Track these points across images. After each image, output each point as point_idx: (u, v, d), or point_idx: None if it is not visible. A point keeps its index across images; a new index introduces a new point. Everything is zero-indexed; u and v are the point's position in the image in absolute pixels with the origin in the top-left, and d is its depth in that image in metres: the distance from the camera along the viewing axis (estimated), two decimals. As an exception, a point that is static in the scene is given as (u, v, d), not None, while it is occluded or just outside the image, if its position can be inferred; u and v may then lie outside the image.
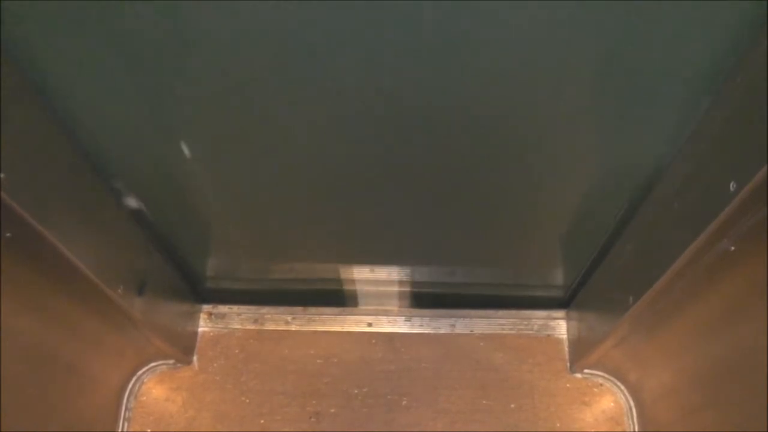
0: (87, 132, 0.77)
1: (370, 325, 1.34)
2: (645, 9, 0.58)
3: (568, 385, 1.28)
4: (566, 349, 1.31)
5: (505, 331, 1.33)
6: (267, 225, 1.04)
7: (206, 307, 1.35)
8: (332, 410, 1.27)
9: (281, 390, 1.28)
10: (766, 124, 0.57)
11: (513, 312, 1.34)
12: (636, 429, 1.23)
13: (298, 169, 0.86)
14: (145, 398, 1.27)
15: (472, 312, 1.34)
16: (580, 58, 0.65)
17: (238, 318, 1.35)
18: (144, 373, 1.28)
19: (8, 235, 0.69)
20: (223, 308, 1.35)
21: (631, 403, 1.25)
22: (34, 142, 0.69)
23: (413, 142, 0.79)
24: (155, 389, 1.28)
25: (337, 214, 1.01)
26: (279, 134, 0.79)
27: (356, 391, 1.28)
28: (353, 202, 0.96)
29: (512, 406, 1.27)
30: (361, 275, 1.21)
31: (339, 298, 1.32)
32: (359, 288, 1.27)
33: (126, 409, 1.25)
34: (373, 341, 1.33)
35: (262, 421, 1.26)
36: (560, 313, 1.34)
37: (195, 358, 1.31)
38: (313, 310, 1.35)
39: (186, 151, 0.82)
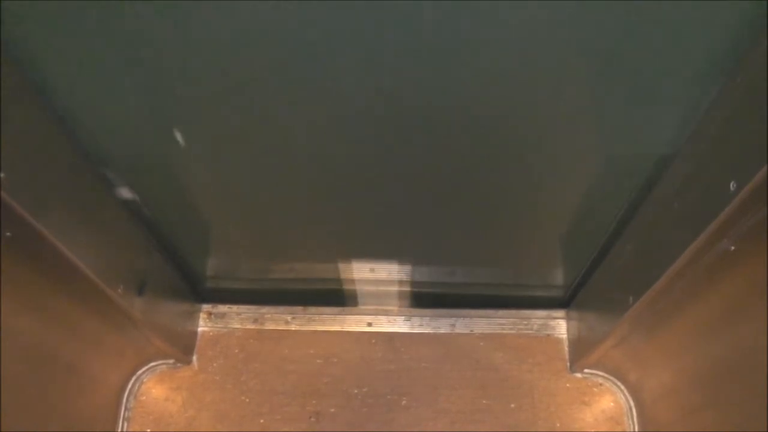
0: (87, 132, 0.77)
1: (370, 324, 1.34)
2: (645, 9, 0.58)
3: (568, 384, 1.28)
4: (566, 348, 1.31)
5: (505, 331, 1.33)
6: (267, 225, 1.04)
7: (206, 307, 1.35)
8: (332, 410, 1.27)
9: (281, 390, 1.28)
10: (766, 124, 0.57)
11: (513, 312, 1.34)
12: (636, 429, 1.23)
13: (298, 168, 0.86)
14: (144, 398, 1.28)
15: (472, 312, 1.34)
16: (579, 59, 0.65)
17: (238, 318, 1.35)
18: (144, 372, 1.28)
19: (8, 234, 0.69)
20: (222, 308, 1.35)
21: (631, 402, 1.25)
22: (34, 142, 0.69)
23: (413, 142, 0.79)
24: (155, 389, 1.28)
25: (337, 214, 1.01)
26: (279, 134, 0.79)
27: (356, 391, 1.28)
28: (353, 201, 0.96)
29: (512, 405, 1.27)
30: (361, 275, 1.21)
31: (339, 297, 1.32)
32: (359, 288, 1.27)
33: (126, 408, 1.25)
34: (373, 341, 1.33)
35: (261, 421, 1.26)
36: (560, 313, 1.34)
37: (195, 357, 1.31)
38: (313, 309, 1.35)
39: (186, 150, 0.82)
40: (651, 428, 1.19)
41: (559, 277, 1.22)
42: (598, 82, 0.68)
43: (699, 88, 0.68)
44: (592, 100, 0.72)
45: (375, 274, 1.20)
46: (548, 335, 1.33)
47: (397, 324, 1.34)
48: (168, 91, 0.71)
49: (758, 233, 0.68)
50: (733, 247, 0.72)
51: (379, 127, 0.76)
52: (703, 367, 0.95)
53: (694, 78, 0.66)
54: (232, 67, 0.67)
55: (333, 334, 1.34)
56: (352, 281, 1.24)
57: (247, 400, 1.28)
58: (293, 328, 1.34)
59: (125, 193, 0.90)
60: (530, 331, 1.33)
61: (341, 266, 1.17)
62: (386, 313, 1.35)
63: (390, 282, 1.24)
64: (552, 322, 1.34)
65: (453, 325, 1.34)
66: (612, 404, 1.27)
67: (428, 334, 1.34)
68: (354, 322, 1.35)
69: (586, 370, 1.27)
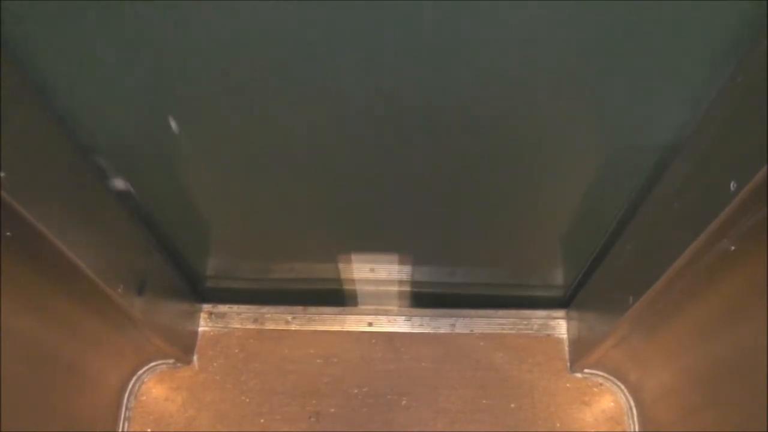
0: (87, 132, 0.77)
1: (370, 324, 1.34)
2: (645, 9, 0.58)
3: (568, 384, 1.28)
4: (566, 348, 1.31)
5: (505, 331, 1.33)
6: (267, 225, 1.04)
7: (206, 307, 1.35)
8: (332, 410, 1.27)
9: (281, 390, 1.28)
10: (766, 124, 0.57)
11: (513, 312, 1.34)
12: (636, 429, 1.23)
13: (298, 168, 0.86)
14: (145, 398, 1.28)
15: (472, 312, 1.34)
16: (579, 59, 0.65)
17: (238, 317, 1.35)
18: (144, 372, 1.28)
19: (8, 234, 0.69)
20: (223, 308, 1.35)
21: (631, 402, 1.25)
22: (34, 142, 0.69)
23: (413, 142, 0.79)
24: (155, 389, 1.28)
25: (336, 214, 1.01)
26: (279, 134, 0.79)
27: (356, 391, 1.28)
28: (353, 201, 0.96)
29: (512, 405, 1.27)
30: (361, 275, 1.21)
31: (339, 297, 1.32)
32: (359, 288, 1.27)
33: (126, 408, 1.25)
34: (373, 341, 1.33)
35: (261, 421, 1.26)
36: (560, 313, 1.34)
37: (195, 357, 1.31)
38: (313, 309, 1.35)
39: (186, 150, 0.82)
40: (651, 428, 1.19)
41: (559, 277, 1.22)
42: (597, 82, 0.68)
43: (699, 88, 0.68)
44: (591, 101, 0.72)
45: (375, 274, 1.20)
46: (548, 335, 1.33)
47: (397, 324, 1.34)
48: (168, 91, 0.71)
49: (758, 233, 0.68)
50: (733, 247, 0.72)
51: (379, 127, 0.76)
52: (703, 367, 0.95)
53: (694, 78, 0.66)
54: (232, 67, 0.67)
55: (333, 334, 1.34)
56: (352, 281, 1.24)
57: (247, 399, 1.28)
58: (293, 328, 1.34)
59: (125, 190, 0.90)
60: (530, 331, 1.33)
61: (341, 266, 1.17)
62: (386, 313, 1.35)
63: (390, 282, 1.24)
64: (552, 322, 1.34)
65: (453, 325, 1.34)
66: (612, 404, 1.27)
67: (428, 334, 1.34)
68: (354, 322, 1.35)
69: (586, 370, 1.27)
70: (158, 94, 0.71)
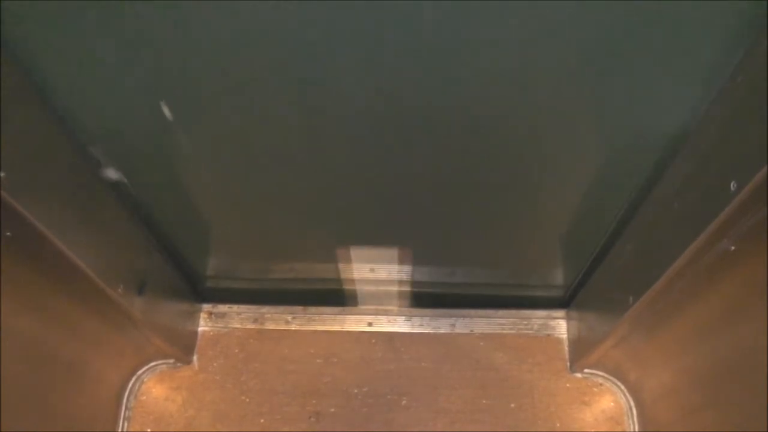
0: (87, 132, 0.77)
1: (370, 324, 1.34)
2: (645, 9, 0.58)
3: (568, 384, 1.28)
4: (566, 348, 1.31)
5: (505, 331, 1.33)
6: (267, 225, 1.04)
7: (206, 307, 1.35)
8: (332, 410, 1.27)
9: (281, 389, 1.28)
10: (766, 124, 0.57)
11: (513, 312, 1.34)
12: (636, 429, 1.23)
13: (297, 168, 0.86)
14: (145, 398, 1.28)
15: (472, 312, 1.34)
16: (579, 59, 0.65)
17: (238, 317, 1.35)
18: (144, 372, 1.28)
19: (8, 234, 0.69)
20: (223, 307, 1.35)
21: (631, 402, 1.25)
22: (34, 142, 0.69)
23: (413, 142, 0.79)
24: (155, 389, 1.28)
25: (336, 214, 1.01)
26: (279, 134, 0.79)
27: (356, 391, 1.28)
28: (353, 201, 0.96)
29: (512, 405, 1.27)
30: (361, 275, 1.21)
31: (339, 297, 1.32)
32: (359, 288, 1.27)
33: (126, 408, 1.25)
34: (373, 341, 1.33)
35: (261, 421, 1.26)
36: (560, 313, 1.34)
37: (195, 357, 1.31)
38: (313, 309, 1.35)
39: (187, 150, 0.82)
40: (651, 428, 1.19)
41: (559, 277, 1.22)
42: (597, 82, 0.68)
43: (699, 88, 0.68)
44: (591, 101, 0.72)
45: (375, 274, 1.20)
46: (548, 335, 1.33)
47: (397, 324, 1.34)
48: (168, 92, 0.71)
49: (758, 233, 0.68)
50: (733, 247, 0.72)
51: (379, 127, 0.76)
52: (703, 367, 0.95)
53: (694, 78, 0.66)
54: (232, 67, 0.67)
55: (333, 334, 1.34)
56: (352, 281, 1.24)
57: (247, 399, 1.28)
58: (293, 327, 1.34)
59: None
60: (530, 331, 1.33)
61: (341, 266, 1.17)
62: (386, 313, 1.35)
63: (390, 282, 1.24)
64: (552, 322, 1.34)
65: (453, 325, 1.34)
66: (612, 404, 1.27)
67: (428, 334, 1.34)
68: (354, 322, 1.35)
69: (586, 370, 1.27)
70: (158, 94, 0.71)
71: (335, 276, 1.21)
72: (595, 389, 1.28)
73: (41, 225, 0.69)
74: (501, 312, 1.34)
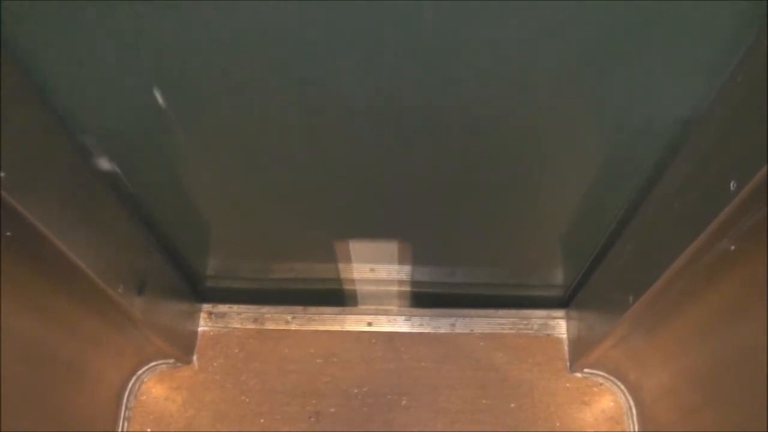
0: (87, 131, 0.77)
1: (370, 324, 1.34)
2: (645, 9, 0.58)
3: (567, 384, 1.29)
4: (566, 348, 1.31)
5: (505, 331, 1.33)
6: (267, 225, 1.04)
7: (206, 307, 1.35)
8: (332, 410, 1.27)
9: (281, 389, 1.28)
10: (766, 124, 0.57)
11: (513, 311, 1.34)
12: (636, 429, 1.23)
13: (298, 168, 0.86)
14: (145, 397, 1.28)
15: (472, 311, 1.34)
16: (579, 59, 0.65)
17: (238, 317, 1.35)
18: (144, 372, 1.28)
19: (8, 234, 0.69)
20: (223, 307, 1.35)
21: (631, 402, 1.25)
22: (34, 142, 0.69)
23: (413, 142, 0.79)
24: (155, 388, 1.28)
25: (336, 214, 1.01)
26: (279, 134, 0.79)
27: (356, 391, 1.28)
28: (353, 201, 0.96)
29: (512, 405, 1.27)
30: (361, 275, 1.21)
31: (339, 297, 1.32)
32: (359, 288, 1.27)
33: (126, 408, 1.25)
34: (373, 341, 1.33)
35: (261, 421, 1.26)
36: (560, 313, 1.34)
37: (195, 357, 1.31)
38: (313, 309, 1.35)
39: (187, 150, 0.82)
40: (651, 428, 1.19)
41: (559, 276, 1.22)
42: (597, 82, 0.68)
43: (699, 88, 0.68)
44: (591, 101, 0.72)
45: (375, 274, 1.20)
46: (548, 335, 1.33)
47: (397, 324, 1.35)
48: (168, 92, 0.71)
49: (758, 233, 0.68)
50: (733, 247, 0.72)
51: (378, 127, 0.76)
52: (703, 367, 0.95)
53: (694, 78, 0.66)
54: (232, 67, 0.66)
55: (333, 333, 1.34)
56: (352, 281, 1.24)
57: (247, 399, 1.28)
58: (293, 327, 1.34)
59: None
60: (530, 331, 1.33)
61: (341, 266, 1.17)
62: (386, 312, 1.35)
63: (390, 282, 1.24)
64: (552, 322, 1.34)
65: (453, 325, 1.34)
66: (612, 404, 1.27)
67: (428, 333, 1.34)
68: (354, 322, 1.35)
69: (585, 370, 1.27)
70: (158, 94, 0.71)
71: (335, 276, 1.21)
72: (595, 389, 1.28)
73: (41, 225, 0.69)
74: (501, 312, 1.34)
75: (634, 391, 1.24)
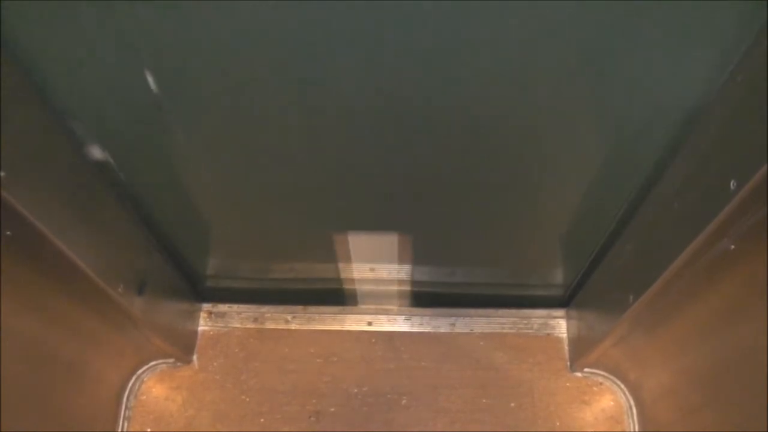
0: (87, 131, 0.77)
1: (370, 324, 1.34)
2: (645, 9, 0.58)
3: (567, 384, 1.29)
4: (566, 348, 1.31)
5: (505, 330, 1.33)
6: (267, 225, 1.04)
7: (206, 306, 1.35)
8: (332, 409, 1.27)
9: (281, 389, 1.28)
10: (766, 124, 0.57)
11: (513, 311, 1.34)
12: (636, 428, 1.24)
13: (298, 168, 0.86)
14: (145, 397, 1.28)
15: (472, 311, 1.34)
16: (579, 59, 0.65)
17: (238, 317, 1.35)
18: (144, 372, 1.28)
19: (8, 234, 0.69)
20: (223, 307, 1.35)
21: (631, 402, 1.25)
22: (34, 142, 0.69)
23: (413, 141, 0.79)
24: (155, 388, 1.28)
25: (336, 214, 1.01)
26: (279, 134, 0.79)
27: (356, 390, 1.29)
28: (353, 201, 0.96)
29: (512, 405, 1.27)
30: (361, 275, 1.21)
31: (339, 297, 1.32)
32: (359, 287, 1.27)
33: (126, 408, 1.25)
34: (373, 340, 1.33)
35: (261, 420, 1.26)
36: (560, 312, 1.34)
37: (195, 357, 1.31)
38: (313, 309, 1.35)
39: (187, 150, 0.82)
40: (651, 428, 1.19)
41: (559, 276, 1.22)
42: (597, 82, 0.68)
43: (699, 88, 0.68)
44: (591, 101, 0.72)
45: (375, 274, 1.20)
46: (548, 334, 1.33)
47: (397, 323, 1.35)
48: (168, 92, 0.71)
49: (758, 233, 0.68)
50: (733, 247, 0.72)
51: (378, 127, 0.76)
52: (703, 367, 0.95)
53: (694, 78, 0.66)
54: (232, 67, 0.66)
55: (333, 333, 1.34)
56: (352, 281, 1.24)
57: (247, 399, 1.28)
58: (293, 327, 1.34)
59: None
60: (530, 331, 1.33)
61: (341, 266, 1.17)
62: (386, 312, 1.35)
63: (390, 281, 1.24)
64: (552, 322, 1.34)
65: (453, 325, 1.34)
66: (612, 403, 1.27)
67: (428, 333, 1.34)
68: (354, 322, 1.35)
69: (586, 370, 1.27)
70: (158, 94, 0.71)
71: (335, 275, 1.21)
72: (595, 388, 1.28)
73: (41, 225, 0.69)
74: (501, 311, 1.34)
75: (634, 390, 1.24)
